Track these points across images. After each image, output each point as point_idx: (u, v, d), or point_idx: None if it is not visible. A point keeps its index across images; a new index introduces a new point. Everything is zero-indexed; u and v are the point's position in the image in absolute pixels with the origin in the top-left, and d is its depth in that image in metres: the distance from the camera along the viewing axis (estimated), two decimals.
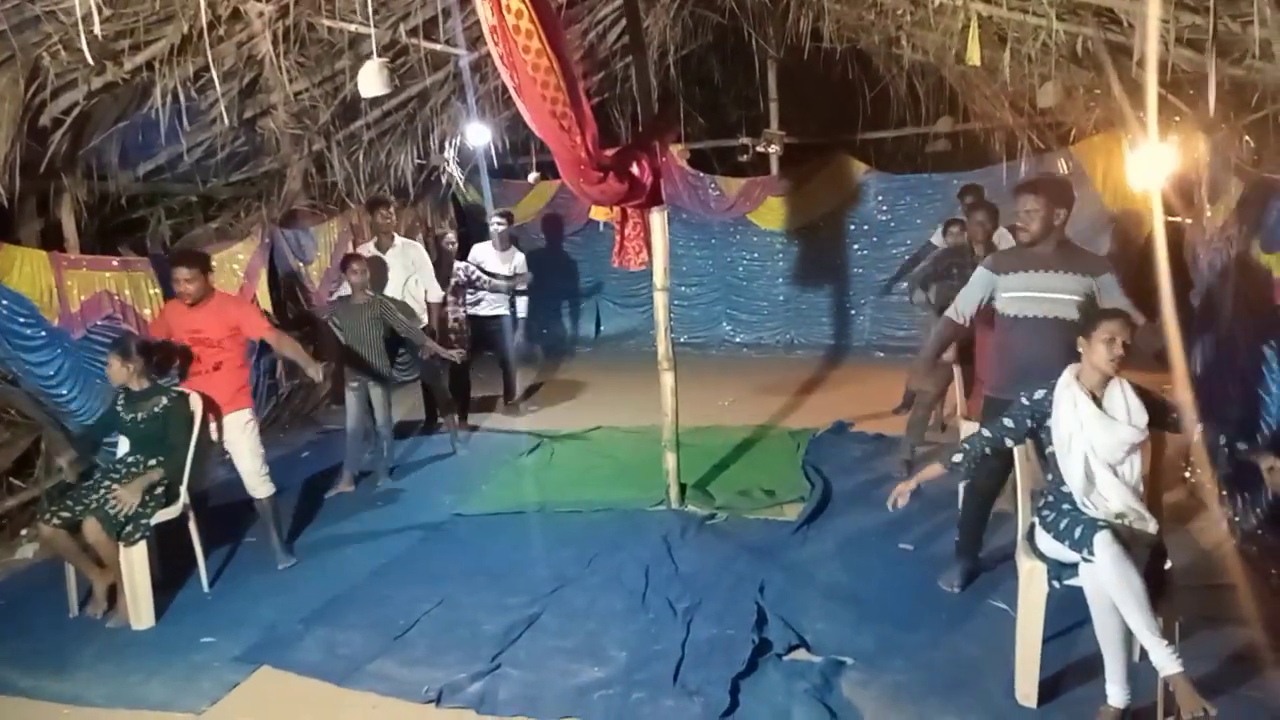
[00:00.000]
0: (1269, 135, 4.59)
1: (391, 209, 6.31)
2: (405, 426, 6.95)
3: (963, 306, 3.81)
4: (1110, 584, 2.68)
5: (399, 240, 6.27)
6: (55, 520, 3.84)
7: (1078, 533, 2.82)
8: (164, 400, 4.13)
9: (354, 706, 3.25)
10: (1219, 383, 4.66)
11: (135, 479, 3.99)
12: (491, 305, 7.05)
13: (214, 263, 5.03)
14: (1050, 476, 3.10)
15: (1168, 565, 2.95)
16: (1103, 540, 2.71)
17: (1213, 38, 3.75)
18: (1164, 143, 5.11)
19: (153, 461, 4.08)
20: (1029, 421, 3.09)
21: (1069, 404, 2.97)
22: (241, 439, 4.42)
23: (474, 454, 6.27)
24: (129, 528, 3.89)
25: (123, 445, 4.27)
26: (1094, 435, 2.91)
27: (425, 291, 6.31)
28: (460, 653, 3.53)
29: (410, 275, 6.18)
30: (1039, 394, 3.07)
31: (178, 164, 6.08)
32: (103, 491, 3.96)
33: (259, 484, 4.47)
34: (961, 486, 4.03)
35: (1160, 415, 2.96)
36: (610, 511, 5.02)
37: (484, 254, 7.04)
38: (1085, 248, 3.86)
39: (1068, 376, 3.01)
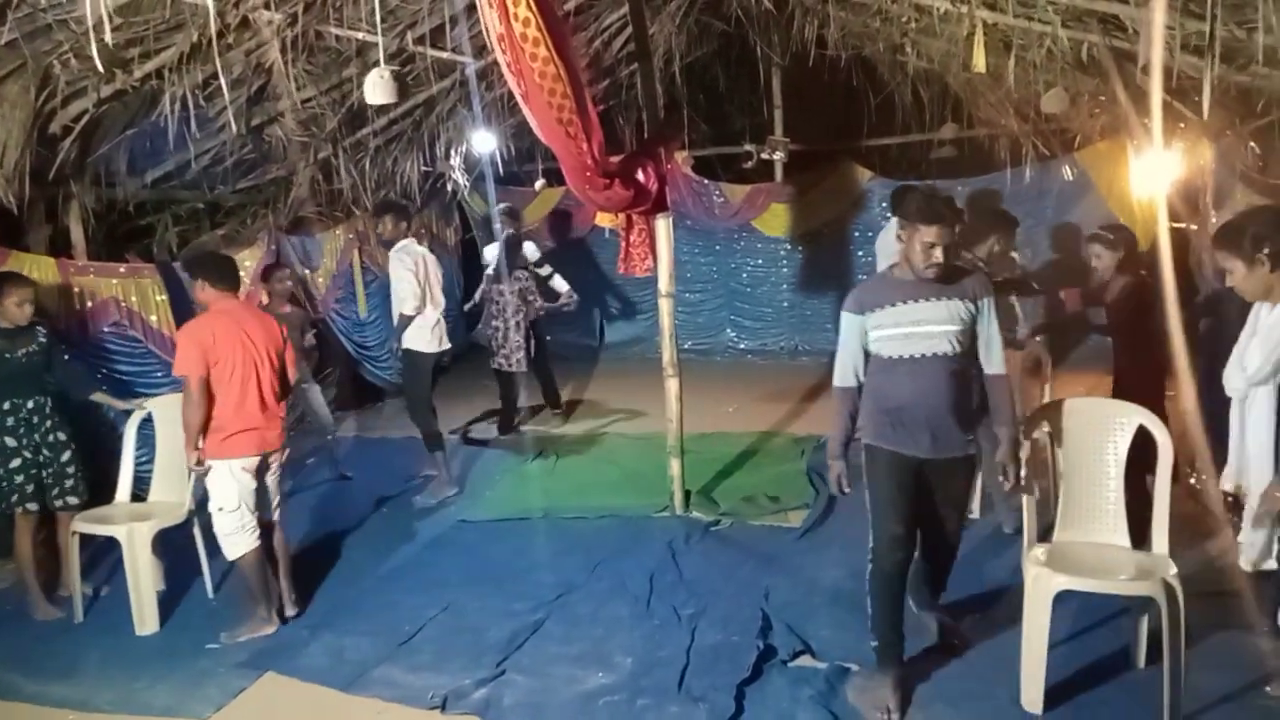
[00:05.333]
0: (1274, 141, 4.60)
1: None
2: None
3: (843, 368, 3.19)
4: None
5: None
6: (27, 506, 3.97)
7: None
8: (39, 338, 4.06)
9: (359, 712, 3.26)
10: (1221, 391, 4.64)
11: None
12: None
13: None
14: None
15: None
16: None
17: (1210, 40, 3.75)
18: (1169, 149, 5.11)
19: (40, 403, 4.03)
20: None
21: None
22: None
23: (479, 461, 6.28)
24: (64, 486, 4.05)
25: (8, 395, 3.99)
26: None
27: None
28: (465, 659, 3.54)
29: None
30: None
31: (185, 171, 6.12)
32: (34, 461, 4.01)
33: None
34: (867, 572, 3.20)
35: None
36: (615, 518, 5.02)
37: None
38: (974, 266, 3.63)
39: None
